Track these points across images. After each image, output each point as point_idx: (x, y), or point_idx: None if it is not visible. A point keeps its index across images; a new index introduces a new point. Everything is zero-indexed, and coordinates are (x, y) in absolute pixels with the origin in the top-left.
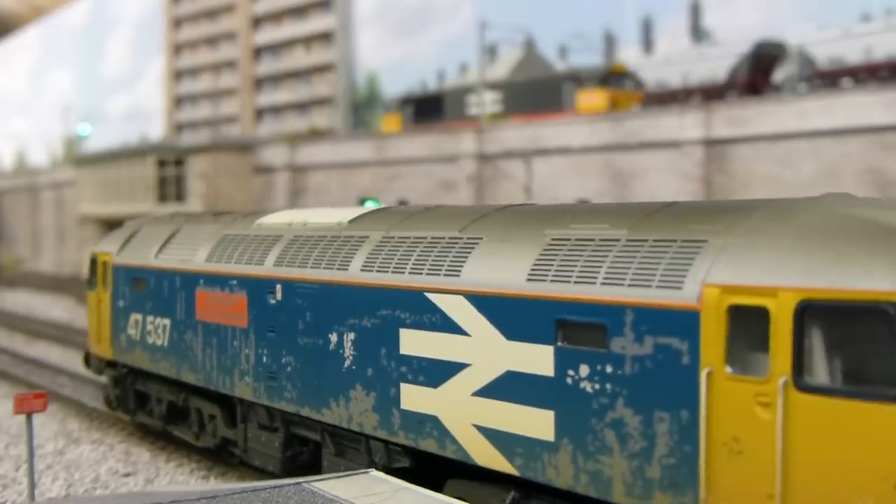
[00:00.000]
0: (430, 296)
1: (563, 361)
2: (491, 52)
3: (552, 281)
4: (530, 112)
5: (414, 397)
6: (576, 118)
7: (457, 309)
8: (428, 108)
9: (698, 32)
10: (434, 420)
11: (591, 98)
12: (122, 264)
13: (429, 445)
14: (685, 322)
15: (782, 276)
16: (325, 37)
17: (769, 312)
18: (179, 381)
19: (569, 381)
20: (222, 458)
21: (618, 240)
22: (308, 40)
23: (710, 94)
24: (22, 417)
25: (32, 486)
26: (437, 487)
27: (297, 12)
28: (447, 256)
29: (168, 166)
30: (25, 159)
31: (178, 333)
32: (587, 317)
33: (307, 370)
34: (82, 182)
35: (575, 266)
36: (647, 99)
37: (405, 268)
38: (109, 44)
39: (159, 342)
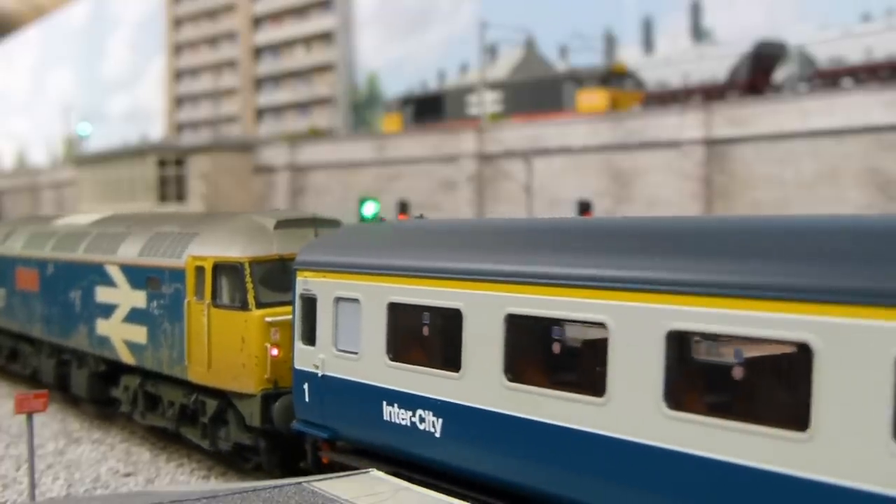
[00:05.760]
0: (105, 266)
1: (149, 299)
2: (491, 52)
3: (146, 255)
4: (531, 112)
5: (101, 326)
6: (576, 118)
7: (115, 273)
8: (428, 108)
9: (698, 32)
10: (108, 339)
11: (592, 98)
12: None
13: (108, 355)
14: (181, 276)
15: (210, 250)
16: (325, 37)
17: (205, 269)
18: (11, 331)
19: (150, 309)
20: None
21: (174, 232)
22: (308, 40)
23: (711, 93)
24: (22, 417)
25: (33, 485)
26: (116, 380)
27: (298, 12)
28: (113, 243)
29: (168, 166)
30: (26, 159)
31: (9, 299)
32: (155, 274)
33: (62, 316)
34: (82, 182)
35: (153, 247)
36: (647, 99)
37: (98, 250)
38: (109, 44)
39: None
